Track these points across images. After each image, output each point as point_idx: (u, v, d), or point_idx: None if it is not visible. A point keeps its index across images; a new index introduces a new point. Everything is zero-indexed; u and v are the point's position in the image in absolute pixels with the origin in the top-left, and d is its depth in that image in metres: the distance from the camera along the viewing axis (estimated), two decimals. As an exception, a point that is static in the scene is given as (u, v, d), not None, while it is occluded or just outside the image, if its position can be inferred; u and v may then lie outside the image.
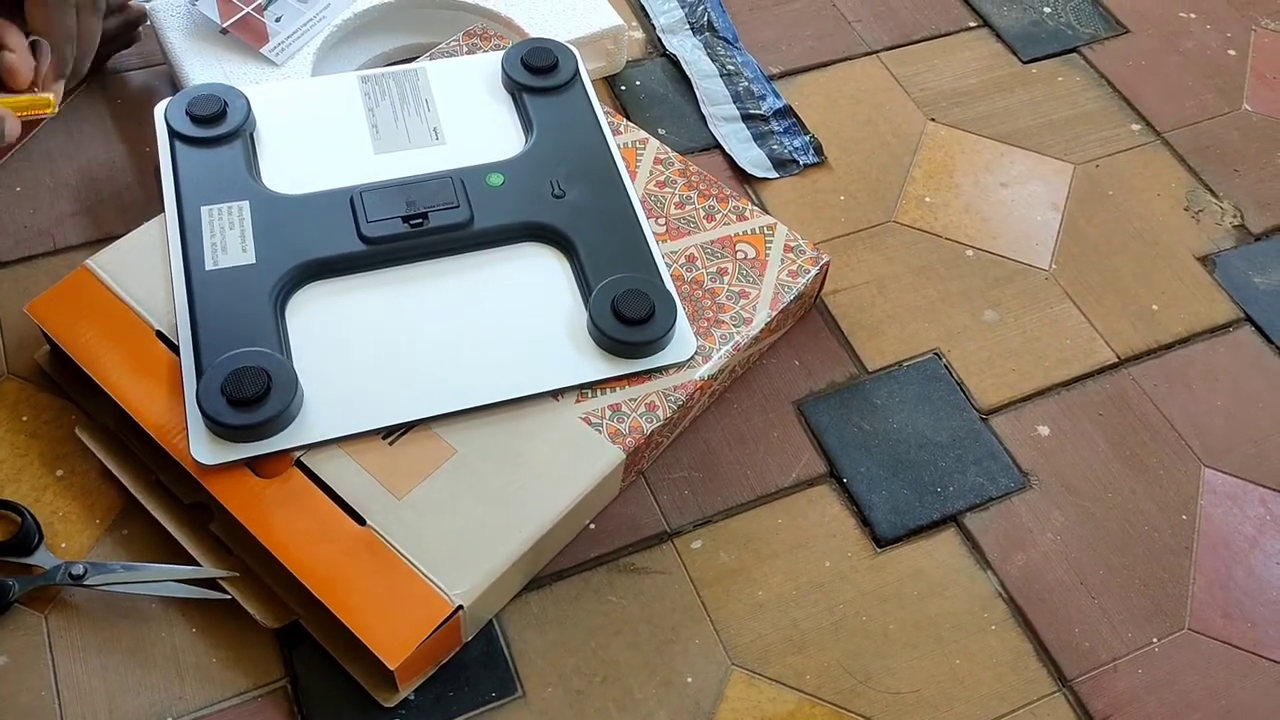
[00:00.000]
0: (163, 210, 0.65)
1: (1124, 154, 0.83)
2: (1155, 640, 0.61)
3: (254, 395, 0.56)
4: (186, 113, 0.67)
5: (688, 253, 0.67)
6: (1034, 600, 0.61)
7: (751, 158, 0.80)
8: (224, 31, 0.77)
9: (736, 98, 0.84)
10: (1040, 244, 0.77)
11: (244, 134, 0.67)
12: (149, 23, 0.80)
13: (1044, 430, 0.68)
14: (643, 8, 0.90)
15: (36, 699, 0.55)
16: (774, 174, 0.80)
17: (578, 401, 0.61)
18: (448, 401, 0.59)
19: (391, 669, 0.52)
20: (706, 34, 0.88)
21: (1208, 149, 0.84)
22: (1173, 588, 0.62)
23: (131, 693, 0.56)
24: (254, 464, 0.57)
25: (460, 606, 0.54)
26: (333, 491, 0.57)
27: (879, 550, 0.63)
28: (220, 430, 0.56)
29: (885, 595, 0.61)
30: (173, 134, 0.67)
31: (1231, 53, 0.91)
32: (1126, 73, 0.88)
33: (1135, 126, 0.85)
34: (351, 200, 0.64)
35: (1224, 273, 0.77)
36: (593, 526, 0.63)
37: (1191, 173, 0.82)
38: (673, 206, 0.69)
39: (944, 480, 0.66)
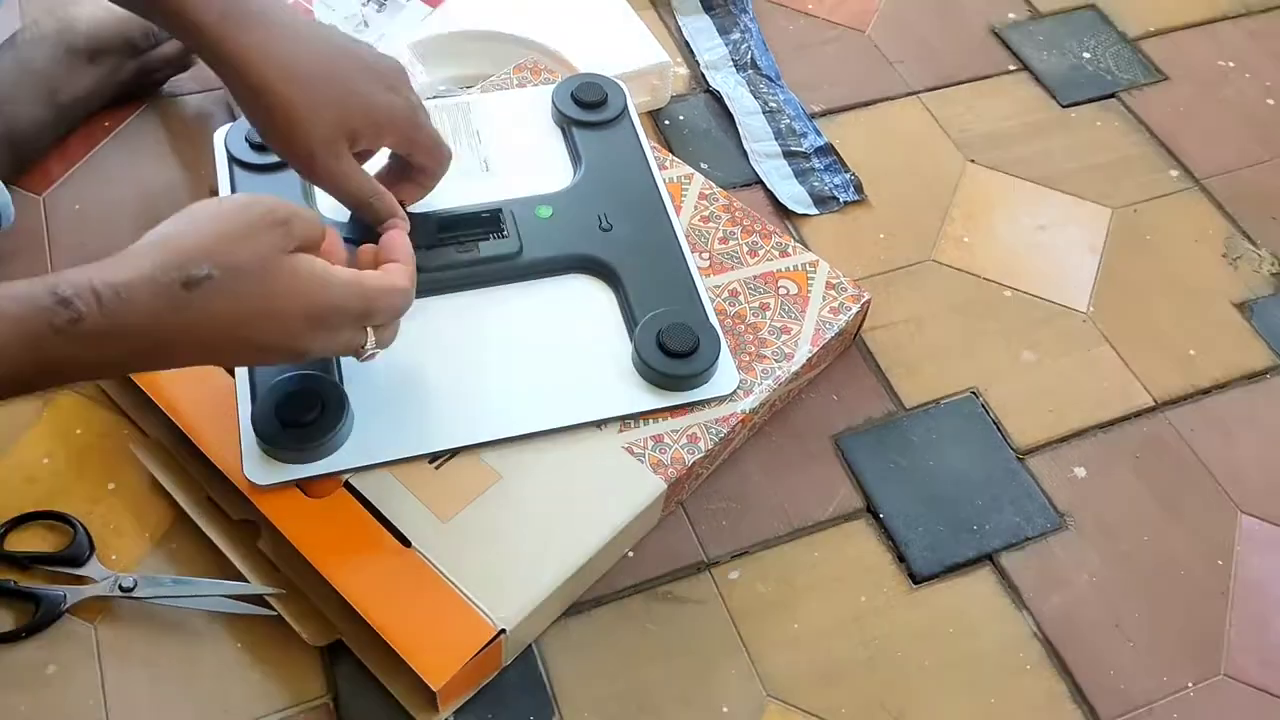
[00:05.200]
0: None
1: (1162, 199, 0.84)
2: (1190, 685, 0.61)
3: (307, 418, 0.57)
4: (246, 139, 0.69)
5: (731, 287, 0.68)
6: (1069, 641, 0.62)
7: (792, 194, 0.81)
8: (282, 60, 0.79)
9: (778, 134, 0.85)
10: (1078, 286, 0.78)
11: (299, 162, 0.69)
12: (208, 50, 0.82)
13: (1081, 472, 0.69)
14: (688, 45, 0.92)
15: (84, 708, 0.57)
16: (814, 210, 0.81)
17: (621, 431, 0.62)
18: (494, 429, 0.60)
19: (434, 690, 0.53)
20: (749, 71, 0.89)
21: (1246, 196, 0.84)
22: (1209, 633, 0.63)
23: (177, 705, 0.57)
24: (304, 484, 0.59)
25: (503, 630, 0.55)
26: (380, 513, 0.58)
27: (915, 586, 0.63)
28: (273, 451, 0.58)
29: (920, 632, 0.62)
30: (232, 160, 0.69)
31: (1270, 102, 0.91)
32: (1165, 119, 0.89)
33: (1174, 172, 0.86)
34: (404, 228, 0.66)
35: (1261, 320, 0.77)
36: (632, 555, 0.63)
37: (1229, 220, 0.83)
38: (717, 241, 0.71)
39: (980, 518, 0.66)
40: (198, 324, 0.46)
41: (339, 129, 0.56)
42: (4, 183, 0.71)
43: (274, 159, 0.68)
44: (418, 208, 0.67)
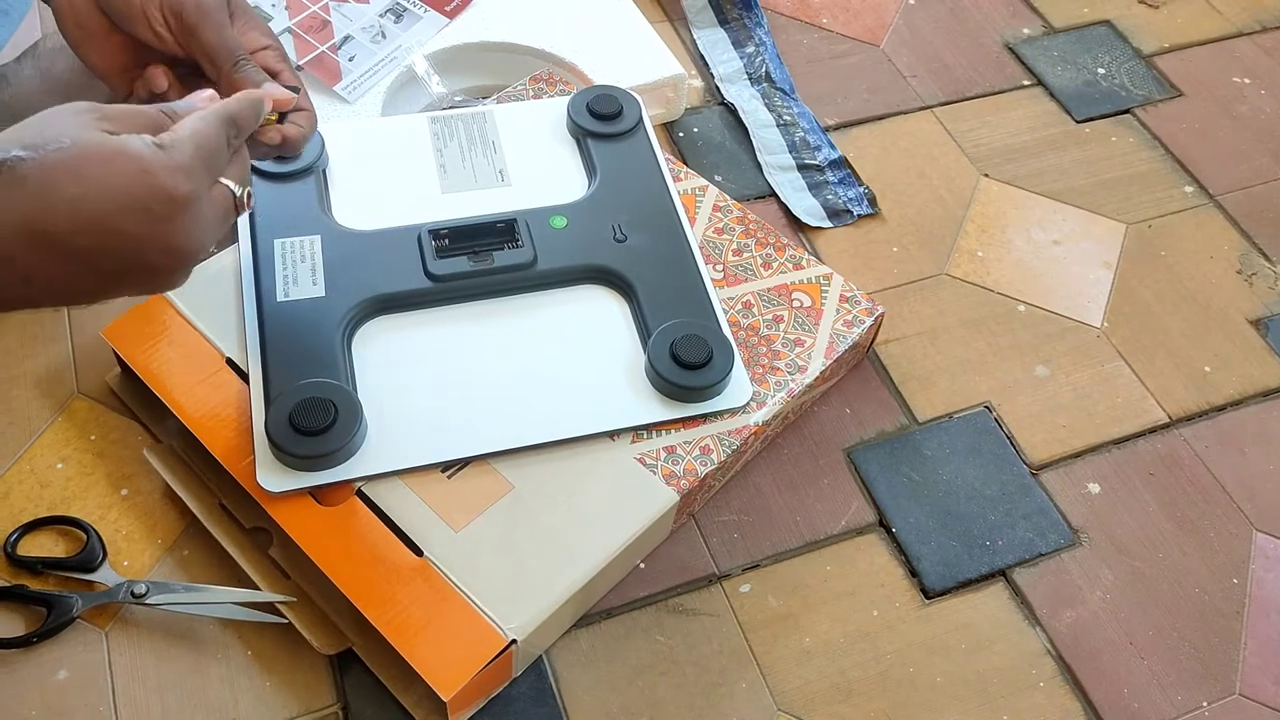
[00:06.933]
0: (235, 242, 0.67)
1: (1177, 215, 0.84)
2: (1205, 704, 0.60)
3: (320, 426, 0.57)
4: (263, 148, 0.69)
5: (744, 299, 0.68)
6: (1083, 659, 0.61)
7: (806, 207, 0.81)
8: (299, 69, 0.79)
9: (792, 147, 0.85)
10: (1092, 301, 0.78)
11: (317, 170, 0.69)
12: (226, 59, 0.82)
13: (1094, 488, 0.68)
14: (702, 57, 0.92)
15: (94, 713, 0.57)
16: (828, 223, 0.81)
17: (633, 442, 0.62)
18: (507, 438, 0.60)
19: (445, 700, 0.53)
20: (764, 84, 0.89)
21: (1261, 213, 0.84)
22: (1223, 652, 0.62)
23: (187, 711, 0.57)
24: (316, 492, 0.59)
25: (514, 641, 0.55)
26: (392, 522, 0.58)
27: (927, 601, 0.63)
28: (286, 459, 0.58)
29: (933, 647, 0.61)
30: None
31: (1286, 118, 0.91)
32: (1180, 135, 0.89)
33: (1188, 188, 0.86)
34: (419, 237, 0.66)
35: (1277, 337, 0.77)
36: (643, 566, 0.63)
37: (1244, 236, 0.83)
38: (730, 253, 0.71)
39: (993, 534, 0.66)
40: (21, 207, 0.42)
41: None
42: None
43: (290, 168, 0.68)
44: (434, 217, 0.68)
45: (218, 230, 0.49)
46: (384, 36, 0.82)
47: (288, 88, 0.58)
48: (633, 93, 0.77)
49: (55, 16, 0.56)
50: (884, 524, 0.66)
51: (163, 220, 0.44)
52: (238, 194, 0.50)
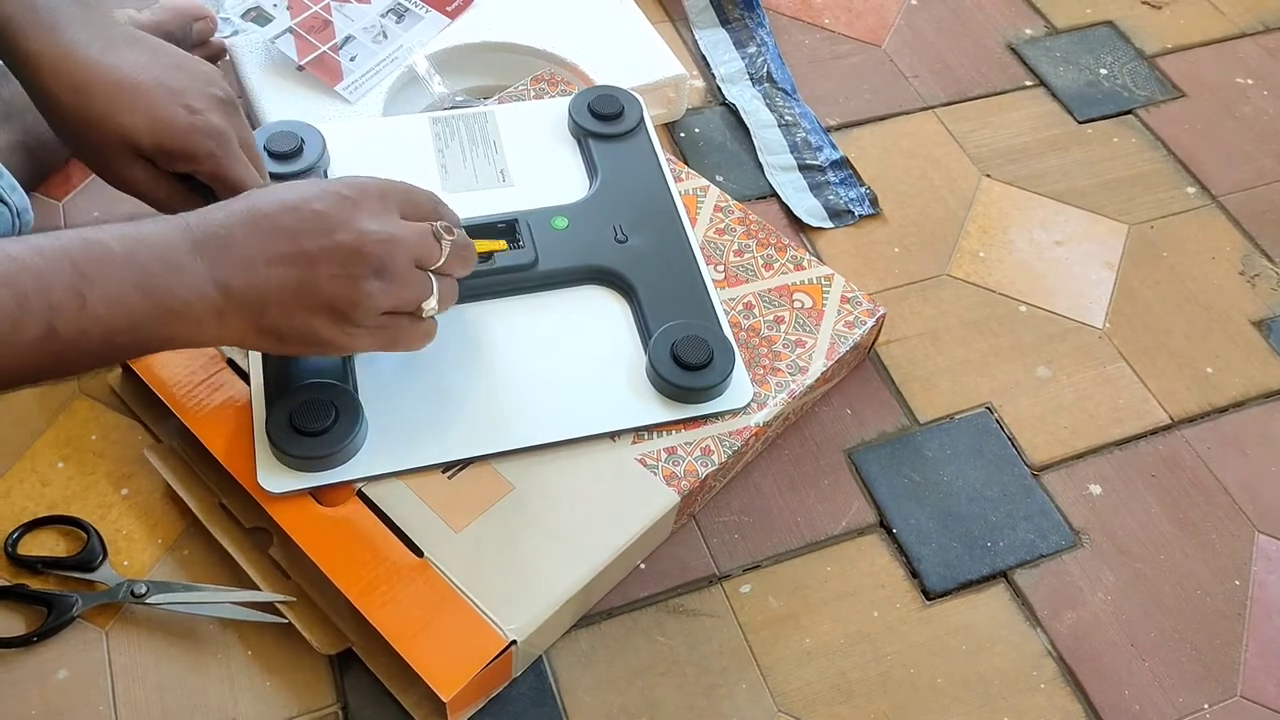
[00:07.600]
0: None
1: (1179, 216, 0.84)
2: (1206, 706, 0.60)
3: (321, 426, 0.57)
4: (265, 148, 0.69)
5: (745, 300, 0.68)
6: (1084, 660, 0.61)
7: (807, 207, 0.81)
8: (300, 69, 0.80)
9: (794, 148, 0.85)
10: (1094, 302, 0.78)
11: (319, 170, 0.69)
12: (228, 58, 0.82)
13: (1096, 489, 0.68)
14: (704, 58, 0.92)
15: (94, 713, 0.57)
16: (829, 224, 0.81)
17: (634, 443, 0.62)
18: (507, 440, 0.60)
19: (445, 700, 0.53)
20: (765, 85, 0.89)
21: (1264, 214, 0.84)
22: (1224, 654, 0.62)
23: (186, 712, 0.57)
24: (317, 493, 0.58)
25: (514, 641, 0.55)
26: (392, 523, 0.58)
27: (928, 603, 0.63)
28: (287, 459, 0.58)
29: (933, 649, 0.61)
30: (250, 168, 0.69)
31: (1288, 119, 0.91)
32: (1182, 136, 0.89)
33: (1190, 189, 0.85)
34: (420, 237, 0.66)
35: (1279, 338, 0.77)
36: (643, 567, 0.63)
37: (1247, 237, 0.83)
38: (732, 254, 0.71)
39: (994, 535, 0.66)
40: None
41: (122, 146, 0.55)
42: (25, 189, 0.71)
43: (291, 168, 0.68)
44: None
45: (414, 243, 0.53)
46: (385, 36, 0.82)
47: None
48: (634, 93, 0.76)
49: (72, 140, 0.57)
50: (885, 525, 0.66)
51: (349, 202, 0.52)
52: (435, 226, 0.55)
